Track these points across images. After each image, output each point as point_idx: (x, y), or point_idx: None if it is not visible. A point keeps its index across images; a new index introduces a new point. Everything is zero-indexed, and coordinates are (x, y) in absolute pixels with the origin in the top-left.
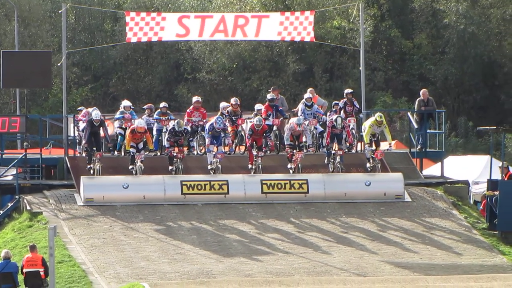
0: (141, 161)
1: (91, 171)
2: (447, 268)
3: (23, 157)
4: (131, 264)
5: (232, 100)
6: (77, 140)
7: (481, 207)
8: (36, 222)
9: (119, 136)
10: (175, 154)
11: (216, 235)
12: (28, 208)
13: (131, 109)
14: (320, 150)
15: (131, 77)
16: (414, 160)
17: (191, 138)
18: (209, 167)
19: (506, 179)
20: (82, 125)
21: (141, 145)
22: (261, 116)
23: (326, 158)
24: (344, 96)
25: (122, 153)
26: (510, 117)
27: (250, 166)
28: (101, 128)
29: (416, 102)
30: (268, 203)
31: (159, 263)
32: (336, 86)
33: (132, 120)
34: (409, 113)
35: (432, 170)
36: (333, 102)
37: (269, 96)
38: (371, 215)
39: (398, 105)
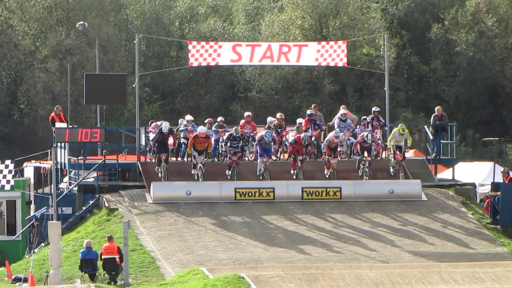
0: (202, 164)
1: (159, 174)
2: (457, 256)
3: (103, 162)
4: (192, 252)
5: (278, 115)
6: (147, 149)
7: (485, 205)
8: (113, 216)
9: (183, 145)
10: (233, 160)
11: (263, 228)
12: (106, 205)
13: (193, 123)
14: (352, 157)
15: (193, 96)
16: (430, 166)
17: (246, 143)
18: (258, 173)
19: (507, 182)
20: (152, 135)
21: (203, 152)
22: (301, 127)
23: (357, 164)
24: (372, 113)
25: (186, 159)
26: (511, 130)
27: (292, 171)
28: (170, 137)
29: (432, 117)
30: (307, 201)
31: (216, 251)
32: (365, 104)
33: (194, 132)
34: (425, 126)
35: (445, 174)
36: (362, 117)
37: (308, 112)
38: (393, 212)
39: (416, 120)
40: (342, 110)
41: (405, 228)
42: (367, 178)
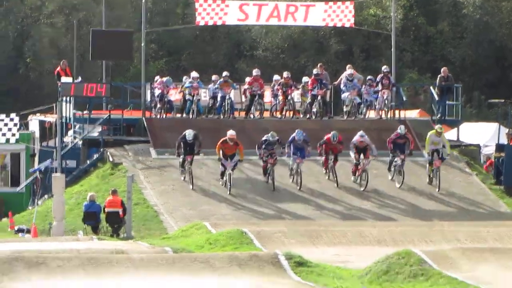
0: (232, 169)
1: (182, 176)
2: (460, 215)
3: (108, 117)
4: (195, 207)
5: (284, 74)
6: (152, 105)
7: (486, 165)
8: (117, 170)
9: (188, 102)
10: (270, 162)
11: (267, 185)
12: (111, 159)
13: (198, 79)
14: (357, 116)
15: (199, 53)
16: (435, 126)
17: (283, 146)
18: (289, 173)
19: (511, 143)
20: (157, 91)
21: (232, 157)
22: (307, 86)
23: (388, 164)
24: (382, 72)
25: (191, 116)
26: None
27: (324, 170)
28: (195, 142)
29: (438, 78)
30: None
31: (219, 206)
32: (372, 64)
33: (199, 89)
34: (431, 87)
35: (449, 135)
36: (368, 77)
37: (314, 71)
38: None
39: (422, 81)
40: (349, 70)
41: (408, 188)
42: (401, 180)
